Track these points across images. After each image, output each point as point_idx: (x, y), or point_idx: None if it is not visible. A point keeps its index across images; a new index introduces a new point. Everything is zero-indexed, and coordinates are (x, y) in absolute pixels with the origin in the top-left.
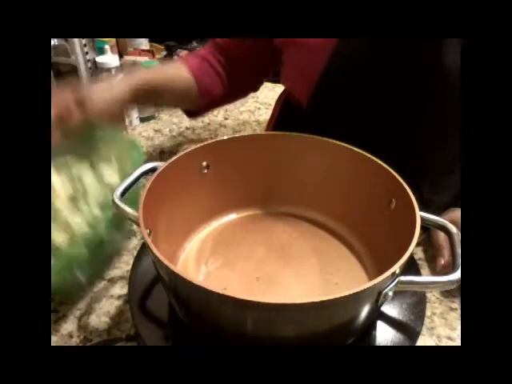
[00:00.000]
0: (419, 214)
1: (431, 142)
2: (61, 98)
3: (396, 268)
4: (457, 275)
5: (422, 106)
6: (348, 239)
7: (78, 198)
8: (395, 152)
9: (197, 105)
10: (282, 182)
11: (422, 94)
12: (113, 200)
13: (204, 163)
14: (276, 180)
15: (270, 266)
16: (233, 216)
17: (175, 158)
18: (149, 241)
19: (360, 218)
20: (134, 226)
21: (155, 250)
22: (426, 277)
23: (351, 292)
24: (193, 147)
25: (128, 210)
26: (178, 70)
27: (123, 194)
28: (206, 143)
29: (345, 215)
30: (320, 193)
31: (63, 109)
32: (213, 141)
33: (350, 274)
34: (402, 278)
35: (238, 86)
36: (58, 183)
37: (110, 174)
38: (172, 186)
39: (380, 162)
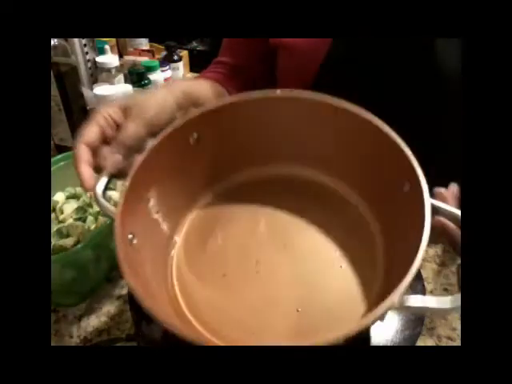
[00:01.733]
0: (429, 200)
1: (430, 142)
2: (103, 113)
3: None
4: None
5: (419, 106)
6: (360, 209)
7: (85, 208)
8: None
9: None
10: (285, 141)
11: (420, 94)
12: (95, 196)
13: (195, 135)
14: (278, 139)
15: (269, 247)
16: (233, 185)
17: (154, 144)
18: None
19: (373, 189)
20: None
21: (132, 283)
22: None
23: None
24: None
25: (110, 207)
26: (211, 87)
27: (105, 190)
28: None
29: (357, 181)
30: (329, 154)
31: (106, 122)
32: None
33: (358, 255)
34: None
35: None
36: (62, 199)
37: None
38: (159, 172)
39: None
